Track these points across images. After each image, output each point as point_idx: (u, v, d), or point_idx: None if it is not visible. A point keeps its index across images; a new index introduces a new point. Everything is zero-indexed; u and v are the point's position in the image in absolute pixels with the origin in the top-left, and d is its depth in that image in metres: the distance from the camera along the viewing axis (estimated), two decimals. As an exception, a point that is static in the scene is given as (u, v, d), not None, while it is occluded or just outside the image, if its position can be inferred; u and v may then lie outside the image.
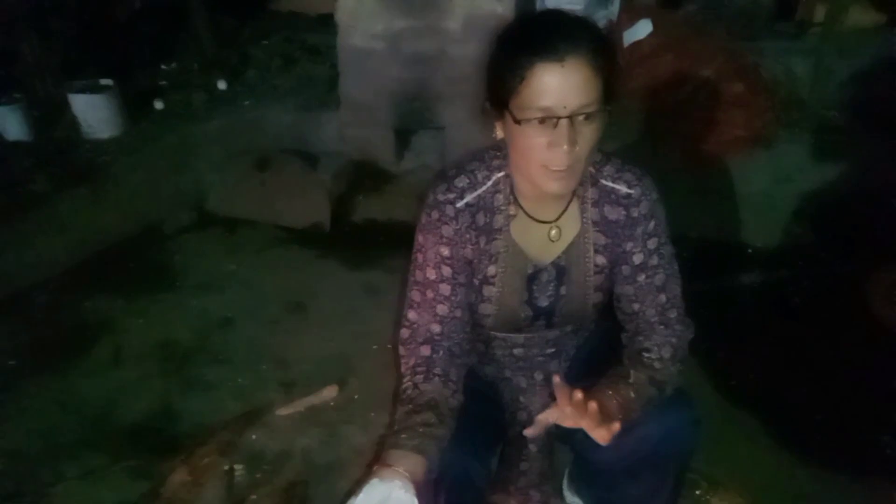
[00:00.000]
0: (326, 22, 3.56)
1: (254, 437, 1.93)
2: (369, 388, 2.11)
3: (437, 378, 1.20)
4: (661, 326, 1.29)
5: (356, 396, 2.10)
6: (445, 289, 1.25)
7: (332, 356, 2.26)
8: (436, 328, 1.24)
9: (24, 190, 2.74)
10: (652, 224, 1.27)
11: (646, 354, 1.27)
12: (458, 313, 1.26)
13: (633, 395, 1.18)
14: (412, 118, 3.23)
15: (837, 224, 2.78)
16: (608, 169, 1.28)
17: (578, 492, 1.59)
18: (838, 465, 1.85)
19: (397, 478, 1.00)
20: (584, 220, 1.29)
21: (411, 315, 1.27)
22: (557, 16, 1.11)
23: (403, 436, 1.09)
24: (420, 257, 1.26)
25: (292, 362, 2.25)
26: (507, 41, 1.11)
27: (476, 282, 1.30)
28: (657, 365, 1.25)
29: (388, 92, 3.15)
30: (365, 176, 3.28)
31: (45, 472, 1.83)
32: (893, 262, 2.44)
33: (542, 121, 1.07)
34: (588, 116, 1.06)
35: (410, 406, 1.15)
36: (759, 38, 3.36)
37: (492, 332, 1.40)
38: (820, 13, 3.43)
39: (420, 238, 1.27)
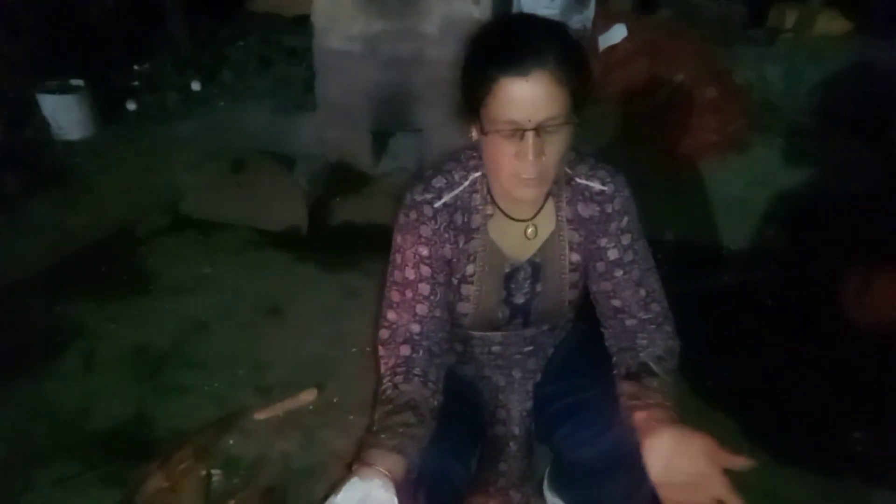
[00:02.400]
0: (303, 23, 3.54)
1: (231, 442, 1.91)
2: (348, 392, 2.10)
3: (416, 378, 1.19)
4: (653, 326, 1.29)
5: (335, 400, 2.08)
6: (425, 288, 1.25)
7: (309, 360, 2.24)
8: (415, 328, 1.24)
9: (-8, 192, 2.69)
10: (626, 220, 1.29)
11: (654, 367, 1.23)
12: (438, 312, 1.26)
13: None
14: (390, 120, 3.23)
15: (809, 226, 2.83)
16: (582, 167, 1.30)
17: (558, 492, 1.59)
18: (812, 464, 1.89)
19: (377, 477, 0.99)
20: (559, 217, 1.31)
21: (391, 315, 1.26)
22: (526, 24, 1.12)
23: (383, 436, 1.08)
24: (399, 258, 1.27)
25: (269, 366, 2.23)
26: (476, 51, 1.12)
27: (454, 281, 1.31)
28: (669, 377, 1.23)
29: (365, 94, 3.14)
30: (342, 178, 3.27)
31: (16, 480, 1.79)
32: (864, 264, 2.50)
33: (509, 133, 1.08)
34: (555, 128, 1.08)
35: (390, 406, 1.15)
36: (731, 44, 3.41)
37: (469, 332, 1.41)
38: (790, 20, 3.50)
39: (398, 238, 1.27)
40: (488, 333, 1.42)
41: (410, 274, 1.25)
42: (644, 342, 1.27)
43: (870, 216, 2.68)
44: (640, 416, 1.13)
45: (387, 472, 1.01)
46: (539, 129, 1.06)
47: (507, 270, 1.32)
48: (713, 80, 3.07)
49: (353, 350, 2.28)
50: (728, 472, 1.11)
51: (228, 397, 2.09)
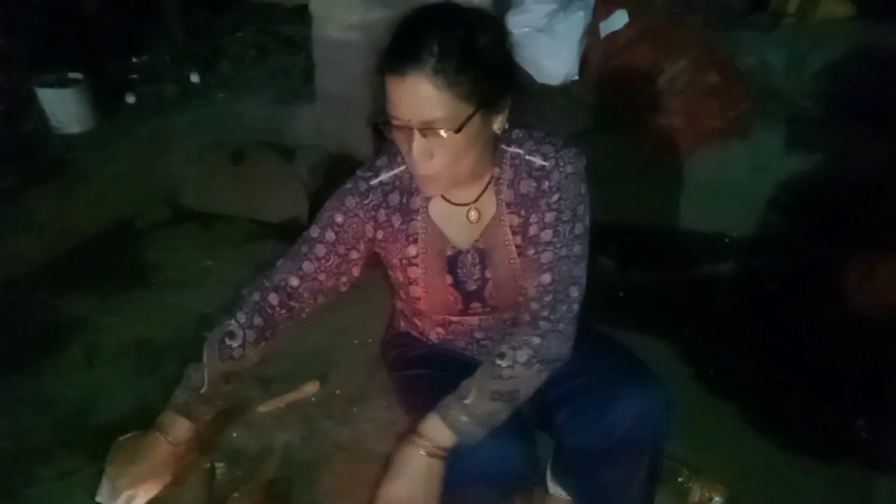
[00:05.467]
0: (301, 13, 3.52)
1: (234, 434, 1.91)
2: (350, 383, 2.09)
3: (256, 329, 1.37)
4: (527, 317, 1.23)
5: (337, 391, 2.07)
6: (320, 250, 1.32)
7: (311, 351, 2.23)
8: (294, 281, 1.33)
9: (-9, 186, 2.68)
10: (556, 197, 1.23)
11: (498, 361, 1.21)
12: (322, 278, 1.34)
13: (464, 418, 1.17)
14: (389, 111, 3.20)
15: (813, 213, 2.81)
16: (528, 143, 1.26)
17: (560, 482, 1.60)
18: (815, 451, 1.89)
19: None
20: (499, 202, 1.28)
21: (280, 261, 1.37)
22: (421, 21, 1.11)
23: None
24: (317, 216, 1.35)
25: (271, 358, 2.20)
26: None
27: (398, 262, 1.34)
28: (506, 374, 1.19)
29: (365, 84, 3.12)
30: (342, 169, 3.22)
31: (19, 475, 1.78)
32: (867, 250, 2.48)
33: (396, 128, 1.11)
34: (443, 131, 1.07)
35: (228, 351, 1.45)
36: (733, 29, 3.38)
37: (446, 316, 1.41)
38: (793, 5, 3.48)
39: (326, 202, 1.36)
40: (466, 318, 1.41)
41: (315, 232, 1.33)
42: (503, 344, 1.25)
43: (873, 202, 2.67)
44: None
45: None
46: (424, 131, 1.06)
47: (448, 253, 1.31)
48: (715, 66, 3.04)
49: (355, 342, 2.27)
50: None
51: (230, 390, 2.09)
